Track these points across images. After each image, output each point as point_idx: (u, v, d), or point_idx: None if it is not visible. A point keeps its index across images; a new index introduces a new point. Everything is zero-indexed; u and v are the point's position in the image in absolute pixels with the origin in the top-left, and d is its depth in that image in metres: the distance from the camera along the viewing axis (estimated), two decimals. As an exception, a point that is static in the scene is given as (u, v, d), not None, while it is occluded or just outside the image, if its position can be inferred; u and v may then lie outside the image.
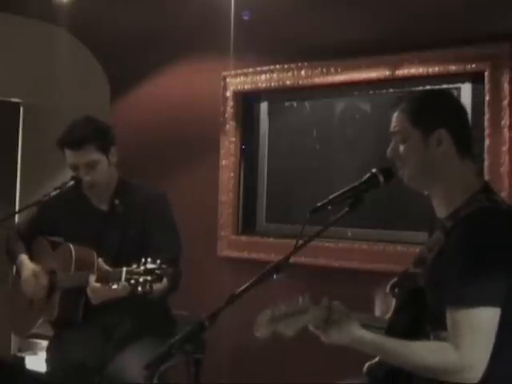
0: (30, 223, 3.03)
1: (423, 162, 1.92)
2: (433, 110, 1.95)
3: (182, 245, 2.81)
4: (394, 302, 2.02)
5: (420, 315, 1.88)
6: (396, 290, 2.01)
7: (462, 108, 1.99)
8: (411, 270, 2.00)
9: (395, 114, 1.98)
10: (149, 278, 2.39)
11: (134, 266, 2.42)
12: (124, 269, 2.44)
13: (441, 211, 1.94)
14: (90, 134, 2.77)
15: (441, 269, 1.81)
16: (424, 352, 1.78)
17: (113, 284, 2.48)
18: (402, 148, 1.95)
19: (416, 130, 1.92)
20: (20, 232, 3.04)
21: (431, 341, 1.83)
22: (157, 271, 2.39)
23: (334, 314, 1.84)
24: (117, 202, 2.86)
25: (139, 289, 2.40)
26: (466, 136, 1.96)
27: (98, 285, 2.56)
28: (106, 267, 2.57)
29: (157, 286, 2.65)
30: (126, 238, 2.72)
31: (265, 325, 1.90)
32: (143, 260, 2.42)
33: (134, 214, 2.81)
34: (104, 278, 2.54)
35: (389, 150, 2.00)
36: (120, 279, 2.44)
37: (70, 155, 2.80)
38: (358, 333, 1.83)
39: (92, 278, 2.57)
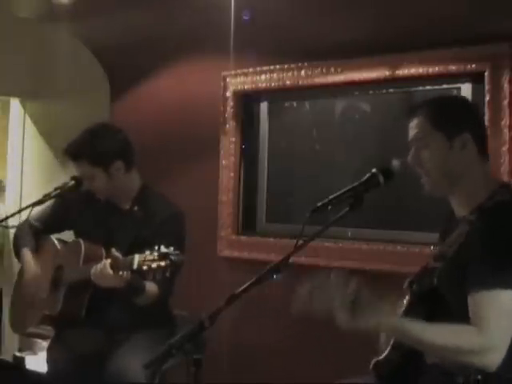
0: (44, 218, 3.04)
1: (448, 166, 1.95)
2: (456, 114, 1.98)
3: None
4: (407, 298, 2.03)
5: (435, 313, 1.89)
6: (414, 285, 2.02)
7: (479, 111, 2.08)
8: (431, 265, 2.02)
9: (414, 122, 2.00)
10: (162, 263, 2.39)
11: (147, 253, 2.42)
12: (136, 255, 2.45)
13: (461, 210, 1.97)
14: (85, 148, 2.79)
15: (464, 257, 1.83)
16: (449, 333, 1.79)
17: (124, 271, 2.49)
18: (424, 154, 1.97)
19: (440, 135, 1.95)
20: (32, 224, 3.04)
21: (454, 324, 1.83)
22: (171, 256, 2.40)
23: (361, 297, 1.83)
24: (138, 205, 2.87)
25: (152, 275, 2.40)
26: (484, 137, 2.01)
27: (110, 271, 2.54)
28: (118, 254, 2.57)
29: (150, 287, 2.67)
30: (138, 241, 2.72)
31: (299, 302, 1.85)
32: (156, 247, 2.43)
33: (149, 222, 2.81)
34: (116, 265, 2.54)
35: (409, 158, 2.02)
36: (132, 265, 2.44)
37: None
38: (383, 316, 1.83)
39: (107, 263, 2.56)
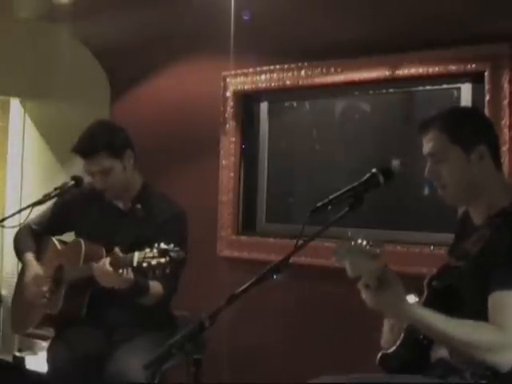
0: (44, 219, 3.04)
1: (467, 179, 1.97)
2: (472, 126, 2.00)
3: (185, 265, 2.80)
4: (424, 295, 2.03)
5: (451, 311, 1.88)
6: (434, 282, 2.03)
7: (491, 121, 2.12)
8: (453, 264, 2.03)
9: (429, 135, 2.01)
10: (162, 260, 2.40)
11: (147, 250, 2.43)
12: (136, 253, 2.45)
13: (481, 217, 2.00)
14: (102, 141, 2.79)
15: (487, 258, 1.84)
16: (470, 328, 1.79)
17: (124, 269, 2.49)
18: (442, 168, 1.99)
19: (457, 148, 1.97)
20: (32, 227, 3.04)
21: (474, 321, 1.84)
22: (171, 253, 2.40)
23: (390, 278, 1.77)
24: (138, 206, 2.87)
25: (151, 273, 2.41)
26: (498, 147, 2.06)
27: (110, 268, 2.54)
28: (119, 252, 2.57)
29: (154, 286, 2.68)
30: (139, 241, 2.71)
31: (340, 253, 1.78)
32: (156, 244, 2.43)
33: (150, 222, 2.81)
34: (115, 262, 2.54)
35: (426, 172, 2.04)
36: (132, 263, 2.45)
37: (84, 163, 2.82)
38: (405, 303, 1.80)
39: (106, 261, 2.56)
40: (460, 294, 1.92)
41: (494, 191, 1.98)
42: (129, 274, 2.52)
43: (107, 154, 2.78)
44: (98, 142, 2.79)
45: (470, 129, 1.99)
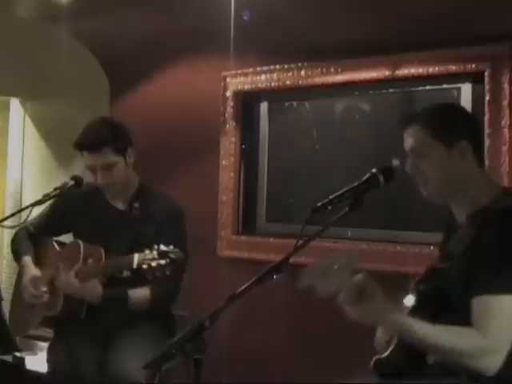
0: (42, 220, 3.03)
1: (448, 175, 1.96)
2: (453, 122, 1.99)
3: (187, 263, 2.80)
4: (413, 298, 2.03)
5: (440, 313, 1.90)
6: (421, 285, 2.03)
7: (475, 118, 2.10)
8: (438, 266, 2.03)
9: (409, 131, 2.00)
10: (162, 261, 2.40)
11: (147, 252, 2.43)
12: (136, 254, 2.46)
13: (463, 215, 1.98)
14: (107, 136, 2.78)
15: (472, 260, 1.83)
16: (453, 335, 1.80)
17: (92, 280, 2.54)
18: (423, 163, 1.97)
19: (438, 144, 1.95)
20: (30, 229, 3.04)
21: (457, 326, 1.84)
22: (170, 254, 2.40)
23: (369, 289, 1.83)
24: (136, 205, 2.87)
25: (151, 274, 2.41)
26: (481, 144, 2.05)
27: (74, 280, 2.61)
28: (91, 262, 2.61)
29: (138, 294, 2.69)
30: (138, 241, 2.72)
31: (307, 277, 1.84)
32: (155, 246, 2.43)
33: (149, 221, 2.81)
34: (84, 274, 2.60)
35: (408, 168, 2.02)
36: (132, 265, 2.45)
37: (87, 158, 2.81)
38: (390, 311, 1.84)
39: (71, 273, 2.62)
40: (448, 296, 1.91)
41: (476, 188, 1.96)
42: (96, 286, 2.52)
43: (112, 149, 2.78)
44: (103, 136, 2.78)
45: (451, 124, 1.98)
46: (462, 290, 1.85)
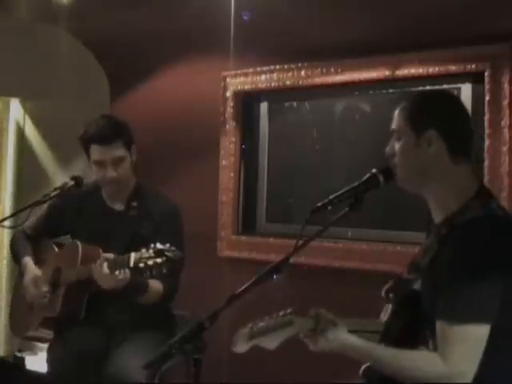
0: (39, 222, 3.03)
1: (413, 162, 1.90)
2: (426, 110, 1.92)
3: (185, 263, 2.79)
4: (389, 307, 2.01)
5: (416, 320, 1.88)
6: (391, 295, 2.00)
7: (459, 110, 1.94)
8: (405, 276, 1.99)
9: (395, 112, 1.97)
10: (158, 260, 2.41)
11: (143, 251, 2.44)
12: (132, 253, 2.46)
13: (436, 215, 1.92)
14: (118, 130, 2.80)
15: (434, 279, 1.79)
16: (413, 362, 1.78)
17: (120, 270, 2.50)
18: (396, 147, 1.94)
19: (409, 130, 1.90)
20: (27, 232, 3.04)
21: (420, 350, 1.83)
22: (167, 253, 2.40)
23: (321, 324, 1.92)
24: (134, 204, 2.87)
25: (148, 273, 2.42)
26: (460, 139, 1.91)
27: (107, 271, 2.55)
28: (109, 255, 2.59)
29: (154, 285, 2.68)
30: (136, 240, 2.72)
31: (242, 341, 1.97)
32: (152, 245, 2.44)
33: (146, 220, 2.82)
34: (112, 265, 2.55)
35: (387, 148, 1.99)
36: (129, 263, 2.46)
37: (97, 151, 2.79)
38: (345, 340, 1.90)
39: (104, 264, 2.57)
40: (417, 309, 1.87)
41: (446, 186, 1.87)
42: (126, 274, 2.52)
43: (122, 144, 2.80)
44: (115, 129, 2.80)
45: (423, 111, 1.91)
46: (428, 308, 1.81)
